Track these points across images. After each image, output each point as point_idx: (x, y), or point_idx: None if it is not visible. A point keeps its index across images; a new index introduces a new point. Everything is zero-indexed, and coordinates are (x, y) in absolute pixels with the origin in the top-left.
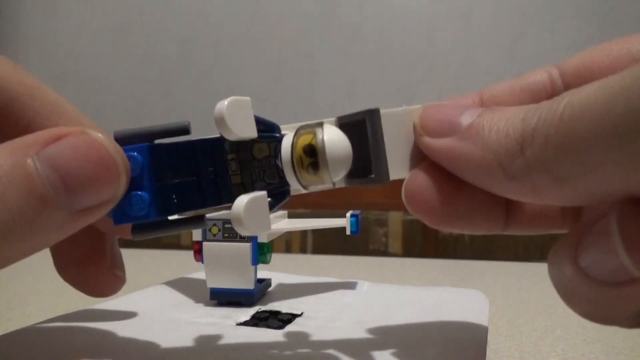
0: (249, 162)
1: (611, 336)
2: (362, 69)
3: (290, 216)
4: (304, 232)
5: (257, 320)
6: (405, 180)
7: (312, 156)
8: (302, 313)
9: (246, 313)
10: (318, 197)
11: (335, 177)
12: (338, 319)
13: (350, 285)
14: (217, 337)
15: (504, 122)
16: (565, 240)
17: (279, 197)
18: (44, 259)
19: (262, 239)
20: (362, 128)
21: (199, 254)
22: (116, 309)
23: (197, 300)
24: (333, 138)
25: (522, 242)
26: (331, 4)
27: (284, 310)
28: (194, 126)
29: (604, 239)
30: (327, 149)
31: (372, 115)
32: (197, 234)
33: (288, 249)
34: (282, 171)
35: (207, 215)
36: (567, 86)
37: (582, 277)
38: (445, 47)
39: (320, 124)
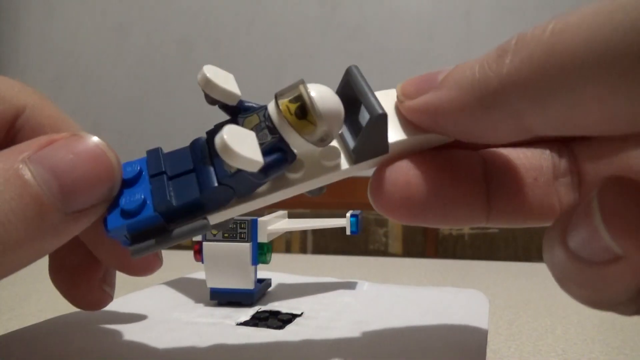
0: None
1: (611, 336)
2: (362, 69)
3: (290, 216)
4: (304, 232)
5: (257, 320)
6: (386, 172)
7: (297, 101)
8: (302, 313)
9: (246, 313)
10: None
11: (326, 119)
12: (338, 319)
13: (350, 285)
14: (217, 337)
15: (479, 60)
16: (555, 223)
17: (278, 157)
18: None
19: (262, 239)
20: (347, 87)
21: (199, 254)
22: (116, 309)
23: (197, 300)
24: (314, 85)
25: (522, 242)
26: (331, 4)
27: (284, 310)
28: (194, 126)
29: (587, 219)
30: (310, 90)
31: (348, 72)
32: (197, 235)
33: (288, 249)
34: (276, 130)
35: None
36: None
37: (571, 258)
38: (445, 47)
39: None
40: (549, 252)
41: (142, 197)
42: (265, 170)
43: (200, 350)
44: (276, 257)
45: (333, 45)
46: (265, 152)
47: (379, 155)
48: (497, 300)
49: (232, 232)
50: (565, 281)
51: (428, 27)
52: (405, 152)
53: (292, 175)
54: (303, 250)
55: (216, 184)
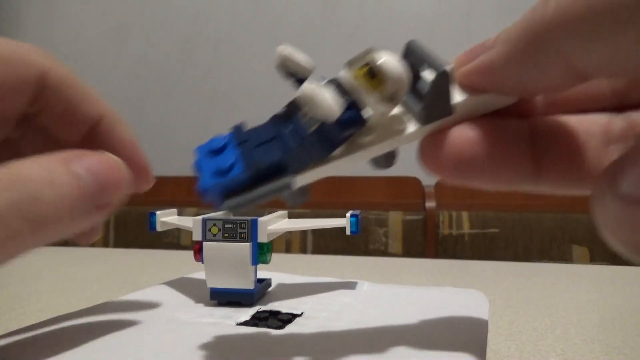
0: None
1: (611, 336)
2: None
3: (290, 216)
4: (304, 232)
5: (257, 320)
6: (441, 134)
7: (368, 65)
8: (302, 313)
9: (246, 313)
10: (318, 197)
11: (393, 78)
12: (338, 319)
13: (350, 285)
14: (217, 337)
15: (525, 13)
16: (604, 173)
17: (352, 114)
18: (44, 258)
19: (262, 239)
20: (408, 58)
21: (199, 254)
22: (116, 309)
23: (197, 300)
24: (381, 50)
25: (522, 242)
26: (331, 5)
27: (284, 310)
28: (195, 125)
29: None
30: (378, 53)
31: (410, 45)
32: (197, 234)
33: (288, 249)
34: (349, 94)
35: (208, 216)
36: None
37: (625, 202)
38: (445, 47)
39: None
40: (600, 204)
41: (232, 160)
42: (342, 125)
43: (200, 350)
44: (276, 257)
45: (333, 45)
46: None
47: (443, 117)
48: (497, 300)
49: (232, 232)
50: (618, 230)
51: (428, 27)
52: (466, 117)
53: (364, 139)
54: (303, 250)
55: (297, 145)
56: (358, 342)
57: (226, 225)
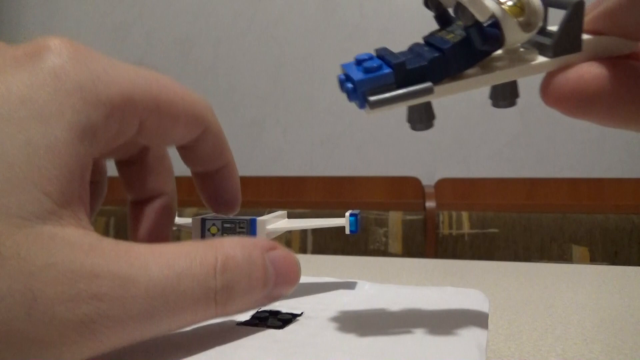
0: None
1: (611, 336)
2: None
3: (289, 216)
4: (304, 232)
5: (257, 320)
6: (572, 72)
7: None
8: (302, 313)
9: (246, 313)
10: (318, 197)
11: (530, 5)
12: (338, 319)
13: (350, 285)
14: (217, 337)
15: None
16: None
17: (494, 32)
18: None
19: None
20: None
21: None
22: None
23: None
24: None
25: (522, 242)
26: (331, 4)
27: (284, 310)
28: None
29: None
30: None
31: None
32: (196, 234)
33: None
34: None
35: (207, 216)
36: None
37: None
38: None
39: None
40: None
41: (379, 63)
42: (483, 37)
43: (200, 350)
44: None
45: (333, 45)
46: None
47: (572, 51)
48: (497, 300)
49: (231, 231)
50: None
51: (428, 27)
52: (594, 56)
53: (498, 63)
54: (303, 250)
55: (441, 52)
56: (358, 343)
57: (225, 225)
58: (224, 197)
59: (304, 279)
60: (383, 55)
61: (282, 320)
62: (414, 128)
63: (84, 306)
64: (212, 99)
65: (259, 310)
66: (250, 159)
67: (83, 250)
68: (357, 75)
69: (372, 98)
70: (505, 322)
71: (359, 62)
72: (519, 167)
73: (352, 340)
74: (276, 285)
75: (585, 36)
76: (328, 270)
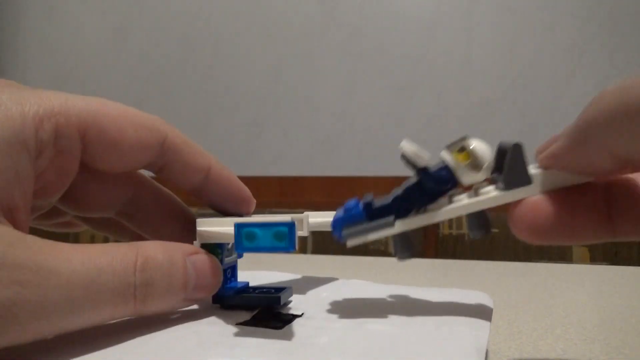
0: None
1: (611, 336)
2: (362, 69)
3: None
4: None
5: (257, 320)
6: (521, 203)
7: (462, 150)
8: (302, 314)
9: (246, 313)
10: (318, 197)
11: (480, 155)
12: (339, 319)
13: (352, 285)
14: (217, 337)
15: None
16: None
17: (446, 173)
18: None
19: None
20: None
21: None
22: None
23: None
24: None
25: (522, 242)
26: (331, 5)
27: (284, 311)
28: (194, 125)
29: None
30: (470, 139)
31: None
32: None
33: None
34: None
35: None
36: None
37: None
38: (445, 47)
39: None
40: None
41: (355, 204)
42: (436, 180)
43: (200, 350)
44: (276, 257)
45: (333, 45)
46: (437, 169)
47: (523, 185)
48: (497, 300)
49: None
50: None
51: (428, 27)
52: (549, 187)
53: (459, 197)
54: (303, 250)
55: (401, 192)
56: (358, 343)
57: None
58: (230, 199)
59: (304, 279)
60: (371, 199)
61: (283, 320)
62: (399, 258)
63: (5, 290)
64: (212, 99)
65: (259, 310)
66: (250, 159)
67: (6, 243)
68: (338, 214)
69: (345, 231)
70: (505, 322)
71: (345, 209)
72: None
73: (352, 340)
74: (196, 287)
75: (536, 170)
76: (328, 271)
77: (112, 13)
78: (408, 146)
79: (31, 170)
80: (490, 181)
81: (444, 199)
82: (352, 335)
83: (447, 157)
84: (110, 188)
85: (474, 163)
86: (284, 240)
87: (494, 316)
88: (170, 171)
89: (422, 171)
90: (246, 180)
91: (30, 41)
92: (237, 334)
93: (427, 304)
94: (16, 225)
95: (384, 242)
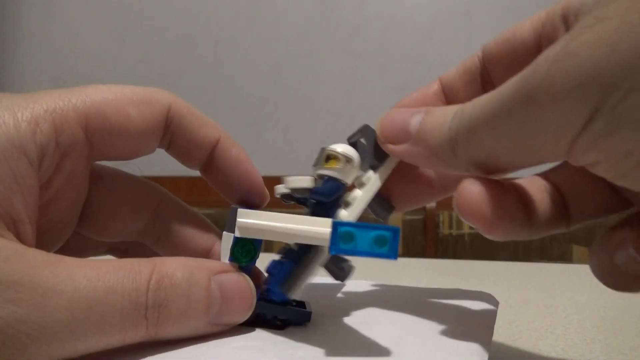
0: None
1: (611, 336)
2: (362, 69)
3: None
4: None
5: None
6: (458, 193)
7: (329, 159)
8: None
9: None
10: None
11: (345, 153)
12: (339, 319)
13: (351, 285)
14: (217, 336)
15: (439, 129)
16: (605, 241)
17: (331, 185)
18: None
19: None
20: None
21: None
22: None
23: None
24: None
25: (522, 242)
26: (331, 4)
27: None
28: None
29: (626, 249)
30: (328, 147)
31: (364, 129)
32: None
33: None
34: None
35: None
36: (488, 61)
37: (615, 270)
38: (445, 47)
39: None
40: (597, 260)
41: (277, 263)
42: (329, 192)
43: (199, 349)
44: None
45: (333, 45)
46: (323, 184)
47: (386, 157)
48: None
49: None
50: (607, 279)
51: (428, 27)
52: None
53: (351, 196)
54: None
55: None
56: (359, 343)
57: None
58: (236, 184)
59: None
60: (286, 249)
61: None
62: (378, 217)
63: None
64: (213, 99)
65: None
66: (251, 159)
67: (2, 257)
68: (271, 285)
69: (283, 289)
70: (505, 322)
71: (272, 274)
72: None
73: (353, 340)
74: (222, 311)
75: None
76: None
77: (112, 13)
78: (286, 185)
79: (33, 178)
80: (365, 170)
81: (342, 208)
82: (352, 334)
83: (322, 171)
84: (129, 205)
85: (345, 161)
86: (385, 246)
87: None
88: (177, 146)
89: (312, 192)
90: None
91: (29, 41)
92: (236, 335)
93: (429, 304)
94: (20, 237)
95: None
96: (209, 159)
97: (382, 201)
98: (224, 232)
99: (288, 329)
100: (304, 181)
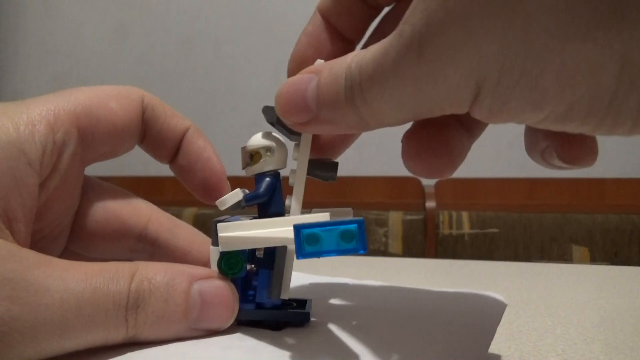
0: None
1: (611, 336)
2: None
3: None
4: None
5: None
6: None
7: (252, 156)
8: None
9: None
10: (318, 197)
11: (262, 144)
12: (340, 319)
13: (351, 285)
14: (217, 336)
15: (335, 94)
16: (533, 135)
17: (271, 177)
18: None
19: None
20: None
21: None
22: None
23: None
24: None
25: (522, 242)
26: None
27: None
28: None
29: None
30: (246, 146)
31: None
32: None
33: None
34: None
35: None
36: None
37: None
38: None
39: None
40: (528, 144)
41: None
42: (271, 186)
43: (199, 349)
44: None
45: None
46: (262, 182)
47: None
48: None
49: None
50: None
51: None
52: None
53: (295, 169)
54: None
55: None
56: (359, 343)
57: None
58: (197, 175)
59: (304, 279)
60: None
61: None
62: (321, 179)
63: None
64: (212, 99)
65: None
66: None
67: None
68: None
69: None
70: (505, 322)
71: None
72: (519, 167)
73: (353, 340)
74: (202, 316)
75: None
76: (328, 270)
77: (112, 13)
78: (220, 208)
79: (32, 177)
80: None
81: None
82: (353, 335)
83: (255, 168)
84: (119, 219)
85: (265, 152)
86: (352, 240)
87: None
88: (150, 137)
89: (247, 200)
90: (246, 180)
91: (29, 41)
92: (237, 334)
93: (434, 305)
94: (15, 236)
95: (384, 242)
96: (178, 150)
97: (320, 164)
98: (211, 247)
99: (286, 329)
100: (234, 197)
